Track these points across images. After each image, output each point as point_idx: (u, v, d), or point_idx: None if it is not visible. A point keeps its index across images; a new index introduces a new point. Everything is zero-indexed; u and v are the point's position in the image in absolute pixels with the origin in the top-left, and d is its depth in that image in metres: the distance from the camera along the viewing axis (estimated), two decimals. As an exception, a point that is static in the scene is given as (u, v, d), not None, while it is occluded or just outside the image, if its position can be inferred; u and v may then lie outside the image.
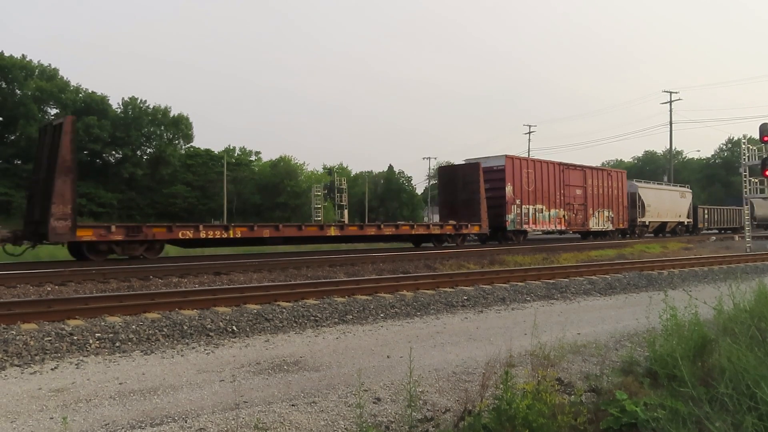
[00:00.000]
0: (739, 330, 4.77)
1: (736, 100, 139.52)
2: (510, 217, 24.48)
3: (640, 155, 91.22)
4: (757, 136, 23.27)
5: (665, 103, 55.64)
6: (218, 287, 10.74)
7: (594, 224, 29.10)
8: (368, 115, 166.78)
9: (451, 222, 22.84)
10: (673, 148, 60.52)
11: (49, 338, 6.56)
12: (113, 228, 15.49)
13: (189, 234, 16.76)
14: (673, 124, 54.98)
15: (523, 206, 25.04)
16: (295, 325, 7.94)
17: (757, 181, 26.04)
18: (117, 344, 6.66)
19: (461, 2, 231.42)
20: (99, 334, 6.82)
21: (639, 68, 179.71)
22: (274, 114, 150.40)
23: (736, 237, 35.39)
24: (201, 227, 17.15)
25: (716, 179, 77.75)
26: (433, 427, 3.98)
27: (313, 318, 8.24)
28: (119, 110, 58.15)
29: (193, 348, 6.60)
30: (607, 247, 24.52)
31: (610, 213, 30.08)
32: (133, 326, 7.17)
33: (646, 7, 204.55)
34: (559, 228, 27.81)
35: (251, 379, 5.22)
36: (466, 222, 22.98)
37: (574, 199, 28.08)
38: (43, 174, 15.42)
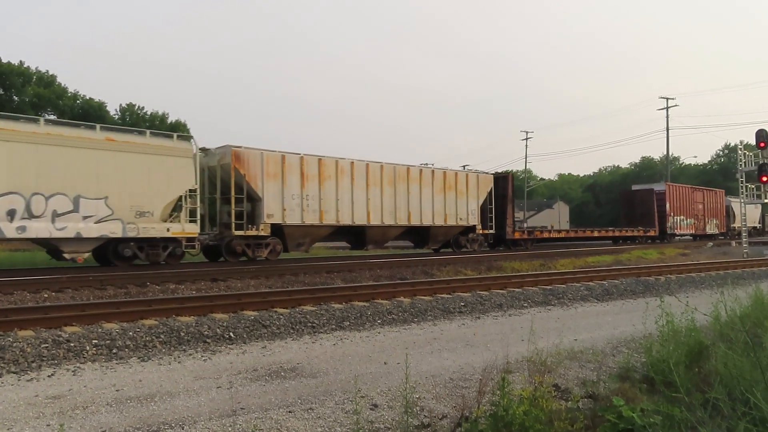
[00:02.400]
0: (734, 336, 4.79)
1: (732, 106, 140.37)
2: (668, 224, 34.95)
3: (638, 161, 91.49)
4: (753, 142, 23.41)
5: (662, 109, 55.88)
6: (215, 294, 10.74)
7: (708, 229, 39.68)
8: (366, 119, 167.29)
9: (641, 228, 34.19)
10: (670, 153, 60.80)
11: (46, 345, 6.55)
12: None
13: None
14: (669, 130, 55.20)
15: (675, 217, 35.80)
16: (292, 331, 7.93)
17: (753, 186, 26.15)
18: (114, 351, 6.65)
19: (460, 9, 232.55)
20: (96, 341, 6.80)
21: (637, 74, 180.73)
22: (272, 118, 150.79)
23: (733, 243, 35.46)
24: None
25: (713, 185, 77.96)
26: (430, 433, 3.98)
27: (310, 324, 8.24)
28: (117, 116, 58.16)
29: (191, 355, 6.60)
30: (604, 253, 24.58)
31: (716, 221, 40.80)
32: (130, 333, 7.16)
33: (645, 14, 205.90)
34: (690, 232, 37.76)
35: (248, 386, 5.22)
36: (644, 228, 34.10)
37: (698, 211, 38.65)
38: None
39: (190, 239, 15.85)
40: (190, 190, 15.73)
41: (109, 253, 14.80)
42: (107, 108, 55.94)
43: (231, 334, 7.53)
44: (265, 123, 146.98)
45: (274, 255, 17.77)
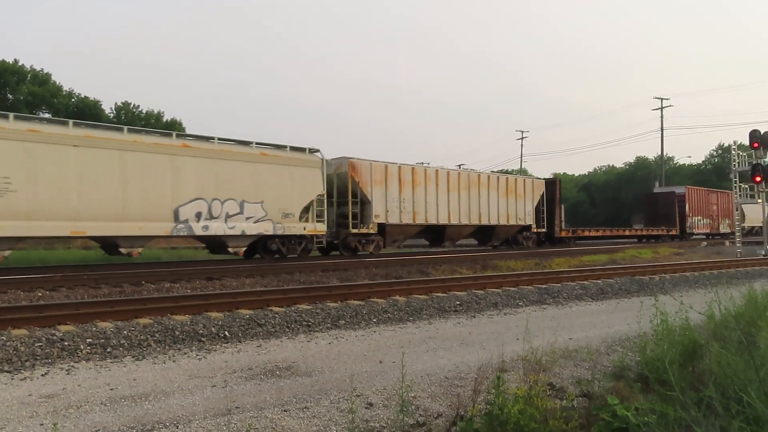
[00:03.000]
0: (728, 335, 4.81)
1: (726, 106, 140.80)
2: (688, 224, 38.02)
3: (632, 161, 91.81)
4: (747, 142, 23.52)
5: (656, 109, 56.13)
6: (210, 292, 10.71)
7: (722, 228, 42.32)
8: (360, 121, 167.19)
9: (663, 227, 37.06)
10: (665, 153, 61.04)
11: (40, 344, 6.52)
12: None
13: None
14: (664, 131, 55.47)
15: (694, 217, 38.86)
16: (287, 330, 7.92)
17: (747, 186, 26.28)
18: (108, 350, 6.63)
19: (451, 13, 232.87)
20: (90, 340, 6.78)
21: (629, 77, 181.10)
22: (267, 120, 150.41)
23: (727, 242, 35.69)
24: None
25: (707, 185, 78.25)
26: (425, 432, 3.99)
27: (305, 323, 8.23)
28: (112, 115, 57.90)
29: (185, 353, 6.58)
30: (599, 253, 24.67)
31: (728, 220, 42.66)
32: (125, 332, 7.13)
33: (634, 18, 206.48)
34: (706, 231, 40.37)
35: (243, 385, 5.21)
36: (666, 227, 37.15)
37: (713, 212, 41.64)
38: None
39: (318, 236, 18.99)
40: (319, 195, 18.72)
41: (259, 247, 17.76)
42: (102, 106, 55.63)
43: (226, 332, 7.51)
44: (260, 123, 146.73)
45: (377, 249, 20.88)
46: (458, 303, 10.12)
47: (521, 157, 68.74)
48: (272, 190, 17.46)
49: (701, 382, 4.10)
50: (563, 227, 30.57)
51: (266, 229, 17.35)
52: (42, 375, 5.62)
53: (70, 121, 14.31)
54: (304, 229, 18.34)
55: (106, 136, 14.50)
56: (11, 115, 13.45)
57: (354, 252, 20.12)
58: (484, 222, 24.67)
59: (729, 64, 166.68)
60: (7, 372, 5.73)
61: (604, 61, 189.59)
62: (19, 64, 51.46)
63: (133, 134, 15.15)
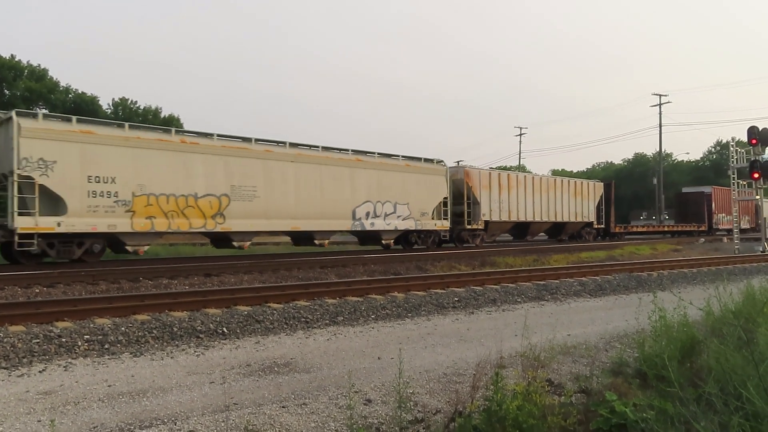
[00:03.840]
0: (727, 331, 4.81)
1: (724, 103, 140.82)
2: (714, 220, 42.18)
3: (630, 157, 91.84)
4: (745, 138, 23.53)
5: (655, 105, 56.14)
6: (208, 289, 10.70)
7: (743, 225, 43.97)
8: (357, 118, 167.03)
9: (694, 224, 41.14)
10: (663, 150, 61.04)
11: (37, 340, 6.50)
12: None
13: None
14: (662, 127, 55.42)
15: (719, 214, 42.65)
16: (285, 326, 7.92)
17: (745, 183, 26.30)
18: (106, 346, 6.62)
19: (450, 10, 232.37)
20: (88, 336, 6.76)
21: (627, 73, 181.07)
22: (266, 116, 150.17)
23: (725, 239, 35.77)
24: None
25: (705, 181, 78.35)
26: (423, 428, 3.98)
27: (304, 319, 8.22)
28: (109, 111, 57.70)
29: (183, 350, 6.57)
30: (598, 249, 24.69)
31: (748, 217, 46.04)
32: (123, 328, 7.12)
33: (632, 14, 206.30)
34: (729, 226, 41.42)
35: (241, 381, 5.20)
36: (696, 224, 41.21)
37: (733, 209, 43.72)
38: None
39: (444, 231, 23.25)
40: (444, 197, 22.93)
41: (401, 240, 22.18)
42: (100, 102, 55.45)
43: (224, 329, 7.50)
44: (257, 119, 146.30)
45: (481, 242, 25.44)
46: (456, 299, 10.12)
47: (519, 154, 68.73)
48: (414, 194, 21.77)
49: (700, 378, 4.10)
50: (615, 224, 35.44)
51: (410, 225, 21.71)
52: (39, 371, 5.60)
53: (287, 142, 18.31)
54: (435, 225, 22.56)
55: (310, 154, 18.75)
56: (253, 138, 17.46)
57: (462, 243, 24.78)
58: (558, 219, 29.41)
59: (727, 60, 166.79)
60: (5, 368, 5.71)
61: (603, 57, 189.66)
62: (16, 59, 51.25)
63: (326, 152, 19.29)
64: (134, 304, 8.33)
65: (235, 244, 17.08)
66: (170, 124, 62.37)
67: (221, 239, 17.50)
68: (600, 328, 7.77)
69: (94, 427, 4.03)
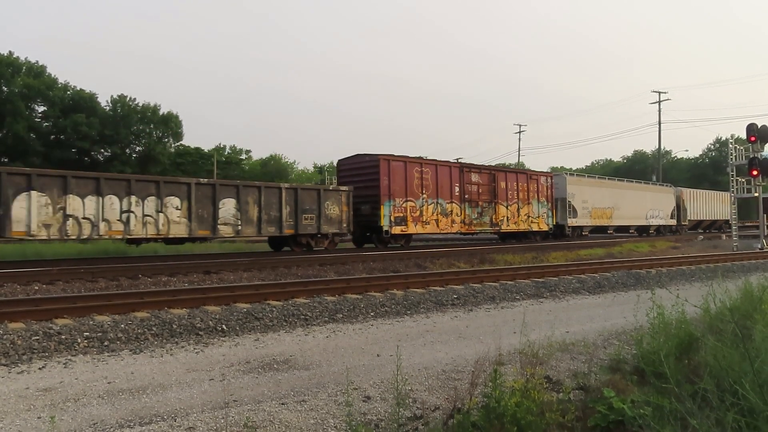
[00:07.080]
0: (724, 328, 4.83)
1: (724, 100, 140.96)
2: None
3: (630, 155, 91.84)
4: (744, 136, 23.54)
5: (654, 103, 56.18)
6: (208, 286, 10.71)
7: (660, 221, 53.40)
8: (358, 114, 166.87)
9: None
10: (662, 147, 61.10)
11: (37, 337, 6.52)
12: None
13: None
14: (661, 124, 55.51)
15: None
16: (285, 323, 7.93)
17: (744, 180, 26.32)
18: (106, 343, 6.63)
19: (450, 5, 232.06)
20: (87, 333, 6.78)
21: (626, 70, 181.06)
22: (265, 113, 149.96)
23: (723, 236, 35.81)
24: None
25: (704, 179, 78.47)
26: (422, 425, 4.00)
27: (303, 317, 8.24)
28: (108, 108, 57.59)
29: (183, 347, 6.58)
30: (596, 246, 24.70)
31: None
32: (122, 325, 7.13)
33: (632, 10, 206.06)
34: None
35: (241, 378, 5.22)
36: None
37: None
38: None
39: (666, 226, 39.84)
40: (672, 208, 38.44)
41: (653, 231, 38.60)
42: (98, 99, 55.34)
43: (224, 326, 7.52)
44: (255, 115, 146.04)
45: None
46: (455, 297, 10.13)
47: (519, 151, 68.75)
48: (662, 205, 37.68)
49: (697, 374, 4.12)
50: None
51: (662, 223, 37.23)
52: (39, 368, 5.61)
53: (641, 181, 39.07)
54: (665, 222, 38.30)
55: (635, 185, 36.68)
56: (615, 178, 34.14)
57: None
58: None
59: (727, 57, 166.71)
60: (4, 365, 5.73)
61: (603, 54, 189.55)
62: (14, 56, 51.15)
63: (645, 184, 38.91)
64: (134, 302, 8.35)
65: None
66: (169, 121, 62.39)
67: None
68: (598, 325, 7.79)
69: (94, 424, 4.04)
